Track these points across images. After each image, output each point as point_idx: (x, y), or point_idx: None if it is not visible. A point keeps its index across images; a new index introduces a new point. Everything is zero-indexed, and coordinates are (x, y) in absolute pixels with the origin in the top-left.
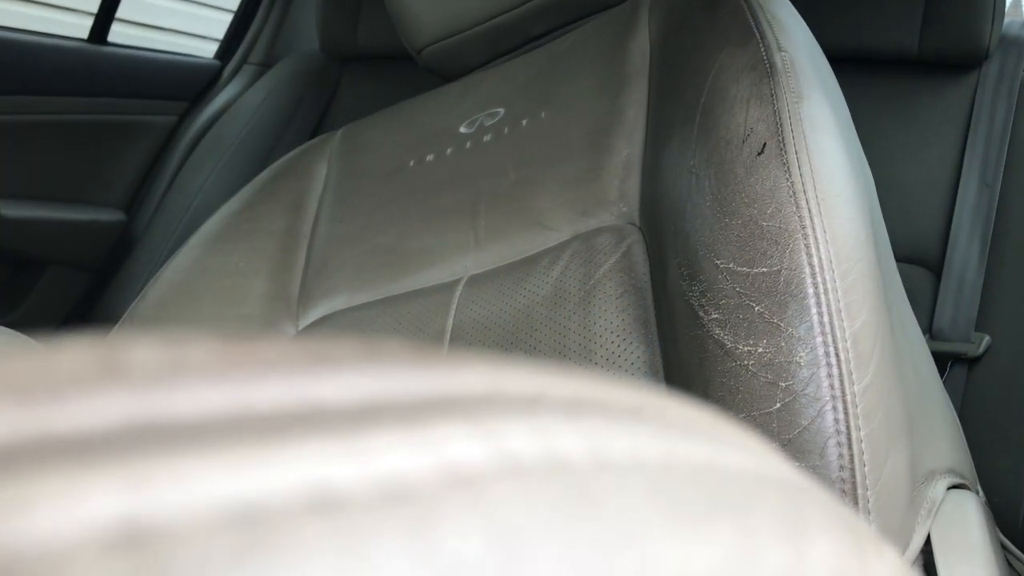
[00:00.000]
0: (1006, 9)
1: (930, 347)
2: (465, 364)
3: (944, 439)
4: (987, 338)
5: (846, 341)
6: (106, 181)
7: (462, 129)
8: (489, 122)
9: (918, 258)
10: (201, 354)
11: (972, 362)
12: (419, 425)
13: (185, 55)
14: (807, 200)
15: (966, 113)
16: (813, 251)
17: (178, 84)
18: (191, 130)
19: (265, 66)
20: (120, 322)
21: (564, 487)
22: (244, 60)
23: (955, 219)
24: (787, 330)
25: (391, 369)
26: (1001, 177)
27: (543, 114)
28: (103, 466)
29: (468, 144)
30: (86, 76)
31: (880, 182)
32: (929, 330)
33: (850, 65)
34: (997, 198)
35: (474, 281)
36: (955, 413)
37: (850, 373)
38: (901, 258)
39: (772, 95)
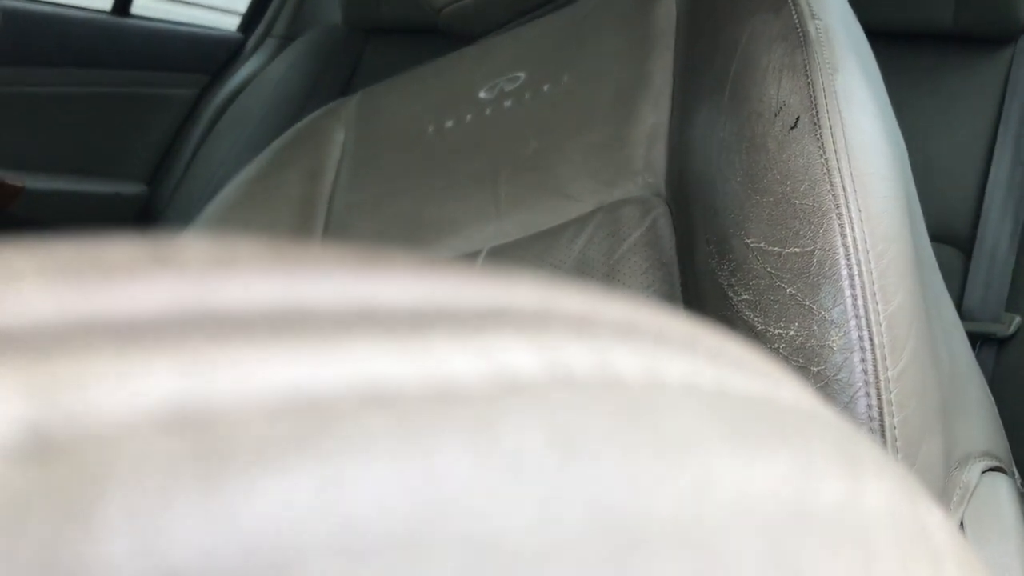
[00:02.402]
0: None
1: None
2: (519, 281)
3: (979, 421)
4: (1017, 318)
5: (880, 325)
6: (128, 154)
7: (482, 94)
8: (510, 87)
9: (947, 236)
10: (254, 251)
11: (1002, 342)
12: (475, 332)
13: (208, 27)
14: (842, 178)
15: (1000, 89)
16: (848, 231)
17: (201, 57)
18: (213, 103)
19: (287, 39)
20: None
21: (621, 401)
22: (267, 33)
23: (987, 197)
24: (820, 313)
25: (447, 279)
26: None
27: (565, 79)
28: (157, 349)
29: (488, 110)
30: (109, 48)
31: (909, 159)
32: (958, 309)
33: (881, 39)
34: None
35: (495, 253)
36: (990, 393)
37: (884, 358)
38: (930, 236)
39: (806, 66)
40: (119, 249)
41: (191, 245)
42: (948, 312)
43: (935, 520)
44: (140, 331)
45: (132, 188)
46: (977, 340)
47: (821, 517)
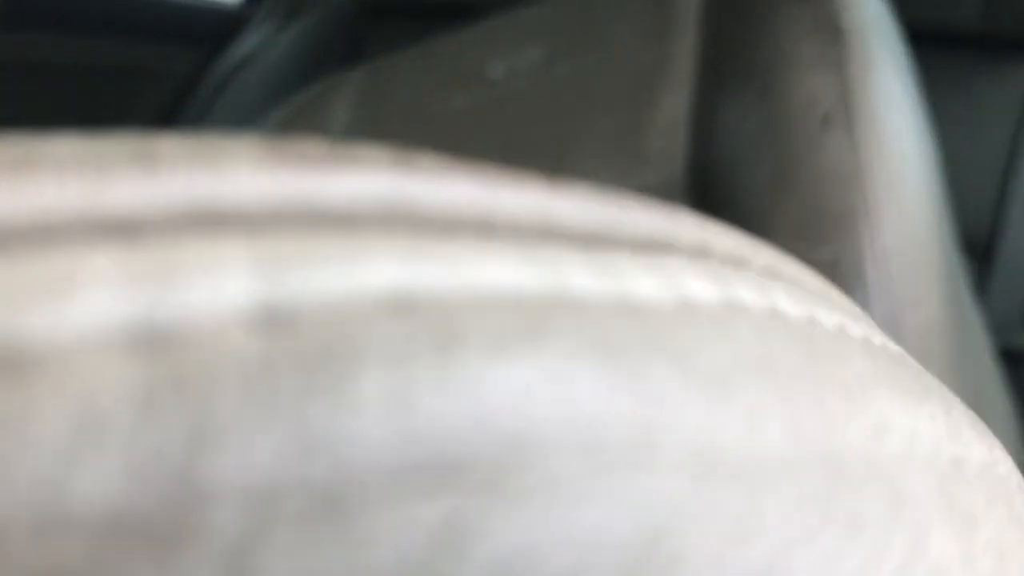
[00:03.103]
0: None
1: None
2: (679, 215)
3: (1002, 433)
4: None
5: (909, 335)
6: (123, 129)
7: (493, 72)
8: (523, 65)
9: (967, 245)
10: (428, 160)
11: (1022, 356)
12: (654, 256)
13: (211, 1)
14: (873, 180)
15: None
16: (878, 235)
17: (200, 30)
18: (213, 78)
19: (292, 13)
20: None
21: (793, 340)
22: (271, 6)
23: (1009, 206)
24: None
25: (568, 196)
26: None
27: (581, 59)
28: (376, 237)
29: (500, 89)
30: (107, 18)
31: None
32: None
33: (906, 41)
34: None
35: None
36: (1012, 406)
37: None
38: None
39: (840, 61)
40: (312, 145)
41: (371, 150)
42: (974, 323)
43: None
44: (352, 219)
45: None
46: (997, 353)
47: (977, 474)
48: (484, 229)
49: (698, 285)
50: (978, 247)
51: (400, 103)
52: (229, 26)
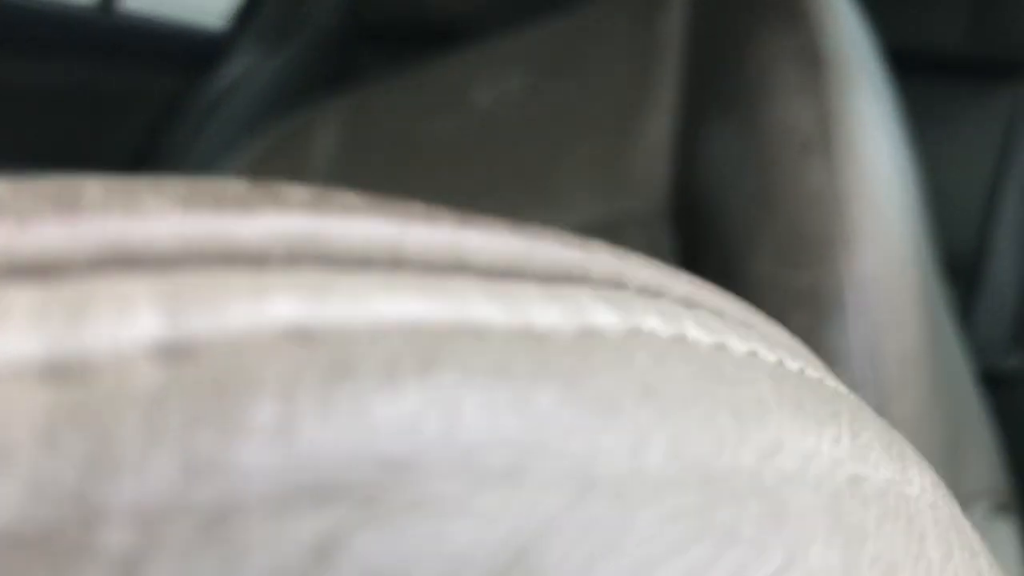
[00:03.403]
0: None
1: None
2: (594, 248)
3: (984, 459)
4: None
5: (889, 360)
6: (107, 152)
7: (479, 97)
8: (508, 91)
9: (950, 268)
10: (353, 200)
11: (1009, 380)
12: (562, 287)
13: (194, 22)
14: (853, 206)
15: (1010, 119)
16: (857, 262)
17: (188, 52)
18: (200, 102)
19: (281, 37)
20: None
21: (697, 364)
22: (259, 30)
23: (993, 229)
24: (827, 345)
25: (530, 235)
26: None
27: (565, 85)
28: (279, 274)
29: (485, 114)
30: (93, 42)
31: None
32: (965, 345)
33: (890, 63)
34: None
35: None
36: (994, 431)
37: (891, 395)
38: None
39: (820, 87)
40: (232, 186)
41: (293, 189)
42: (955, 348)
43: (967, 522)
44: (260, 258)
45: None
46: (984, 377)
47: (876, 493)
48: (393, 264)
49: (602, 314)
50: (964, 270)
51: (385, 130)
52: (214, 50)
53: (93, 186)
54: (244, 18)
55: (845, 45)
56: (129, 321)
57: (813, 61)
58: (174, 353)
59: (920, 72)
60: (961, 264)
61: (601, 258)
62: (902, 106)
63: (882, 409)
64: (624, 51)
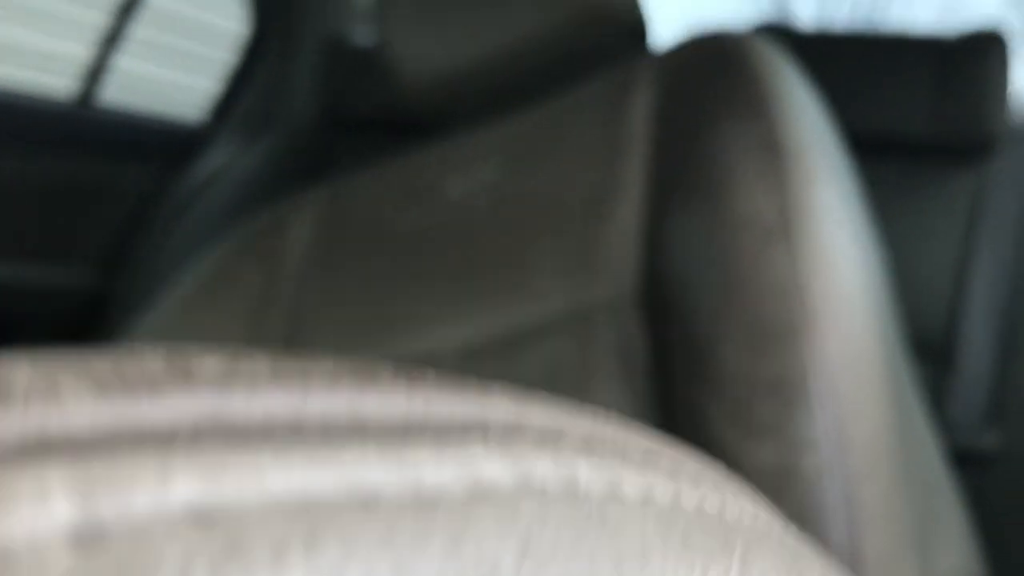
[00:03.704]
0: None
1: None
2: (494, 395)
3: (955, 540)
4: (1001, 434)
5: (855, 448)
6: (83, 243)
7: (452, 188)
8: (481, 182)
9: (923, 349)
10: (258, 367)
11: (984, 459)
12: (453, 445)
13: (174, 116)
14: (816, 294)
15: (975, 202)
16: (821, 351)
17: (165, 146)
18: (177, 194)
19: (258, 130)
20: None
21: (584, 513)
22: (236, 123)
23: (964, 310)
24: (794, 434)
25: (428, 393)
26: (1011, 269)
27: (536, 176)
28: (181, 455)
29: (458, 205)
30: (71, 136)
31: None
32: (936, 424)
33: (857, 147)
34: (1008, 288)
35: (461, 356)
36: (966, 513)
37: (859, 483)
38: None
39: (781, 178)
40: (145, 364)
41: (205, 361)
42: (924, 430)
43: None
44: (168, 437)
45: (84, 280)
46: (957, 457)
47: None
48: (293, 433)
49: (494, 468)
50: (935, 350)
51: (360, 223)
52: (193, 143)
53: (20, 374)
54: (222, 111)
55: (806, 135)
56: (46, 509)
57: (774, 152)
58: (86, 539)
59: (886, 155)
60: (932, 344)
61: (500, 407)
62: (868, 188)
63: (851, 495)
64: (593, 141)
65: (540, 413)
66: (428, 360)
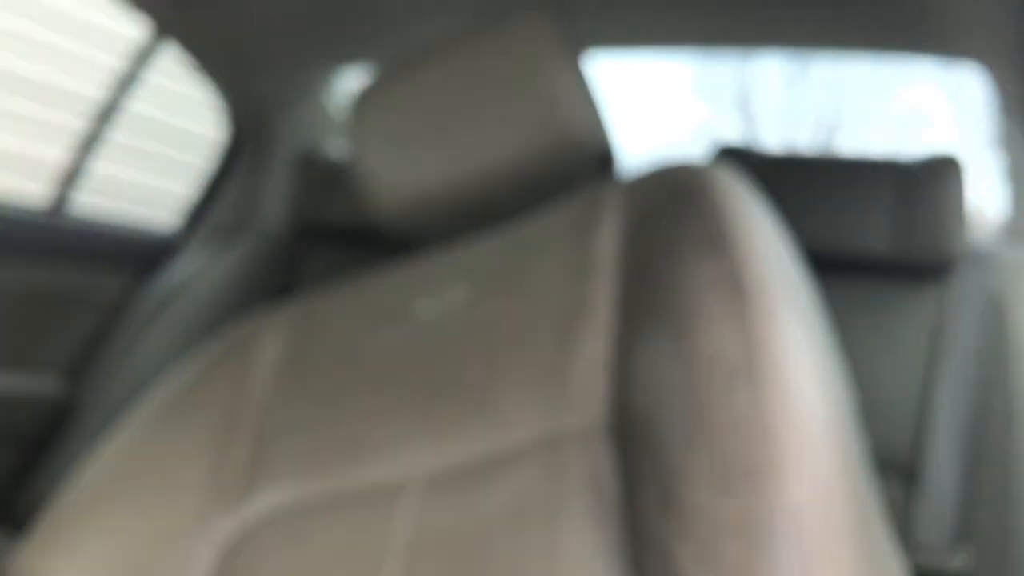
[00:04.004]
0: (972, 221)
1: (907, 560)
2: None
3: None
4: (968, 552)
5: None
6: (51, 351)
7: (421, 309)
8: (450, 304)
9: (890, 465)
10: None
11: None
12: None
13: (144, 226)
14: (780, 434)
15: (936, 321)
16: (786, 490)
17: (136, 254)
18: (147, 302)
19: (228, 239)
20: (50, 512)
21: None
22: (207, 233)
23: (929, 427)
24: (763, 574)
25: None
26: (973, 385)
27: (506, 299)
28: None
29: (427, 326)
30: (42, 244)
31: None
32: (905, 541)
33: (820, 268)
34: (971, 406)
35: (428, 484)
36: None
37: None
38: (873, 465)
39: (743, 315)
40: None
41: None
42: (892, 559)
43: None
44: None
45: (51, 388)
46: (927, 574)
47: None
48: None
49: None
50: (901, 469)
51: (330, 340)
52: (163, 253)
53: None
54: (194, 219)
55: (769, 271)
56: None
57: (738, 290)
58: None
59: (848, 274)
60: (899, 462)
61: None
62: (832, 308)
63: None
64: (561, 268)
65: None
66: (390, 493)
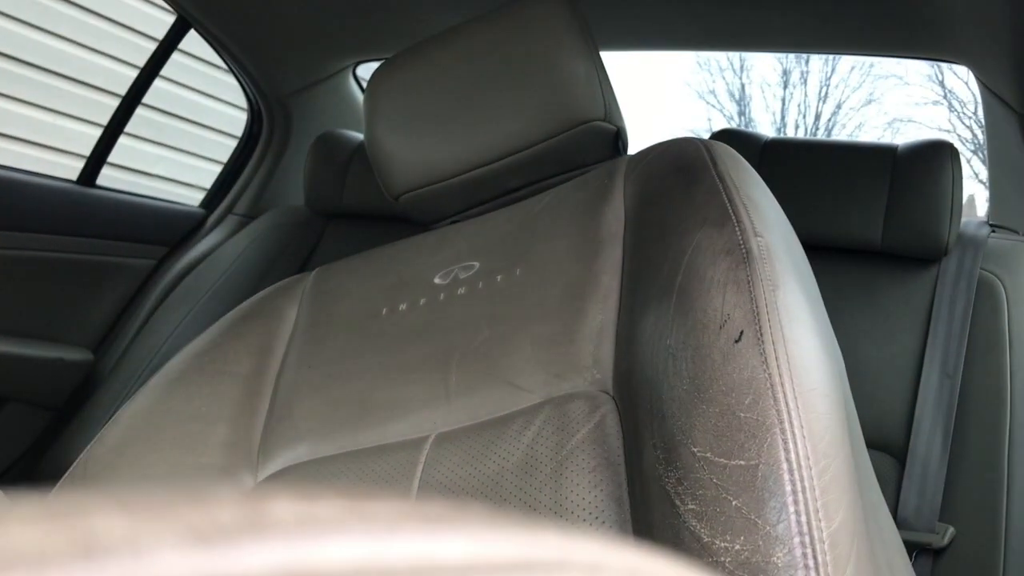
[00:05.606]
0: (963, 208)
1: None
2: (542, 531)
3: None
4: (951, 529)
5: (824, 543)
6: (78, 320)
7: (436, 280)
8: (464, 275)
9: (882, 443)
10: (324, 510)
11: (937, 552)
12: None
13: (170, 202)
14: (784, 393)
15: (927, 304)
16: (791, 447)
17: (161, 229)
18: (169, 274)
19: (249, 217)
20: (74, 465)
21: None
22: (229, 210)
23: (918, 409)
24: (765, 528)
25: (491, 531)
26: (961, 369)
27: (518, 272)
28: None
29: (442, 296)
30: (71, 216)
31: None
32: (894, 517)
33: (818, 253)
34: (958, 389)
35: (442, 440)
36: None
37: (829, 574)
38: (866, 444)
39: (749, 282)
40: (228, 511)
41: (281, 506)
42: (886, 522)
43: None
44: None
45: (77, 355)
46: (912, 549)
47: None
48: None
49: None
50: (894, 445)
51: (349, 307)
52: (188, 228)
53: (107, 524)
54: (217, 199)
55: (772, 241)
56: None
57: (743, 257)
58: None
59: (843, 257)
60: (892, 439)
61: (549, 544)
62: (825, 291)
63: None
64: (571, 240)
65: (583, 548)
66: (407, 447)
